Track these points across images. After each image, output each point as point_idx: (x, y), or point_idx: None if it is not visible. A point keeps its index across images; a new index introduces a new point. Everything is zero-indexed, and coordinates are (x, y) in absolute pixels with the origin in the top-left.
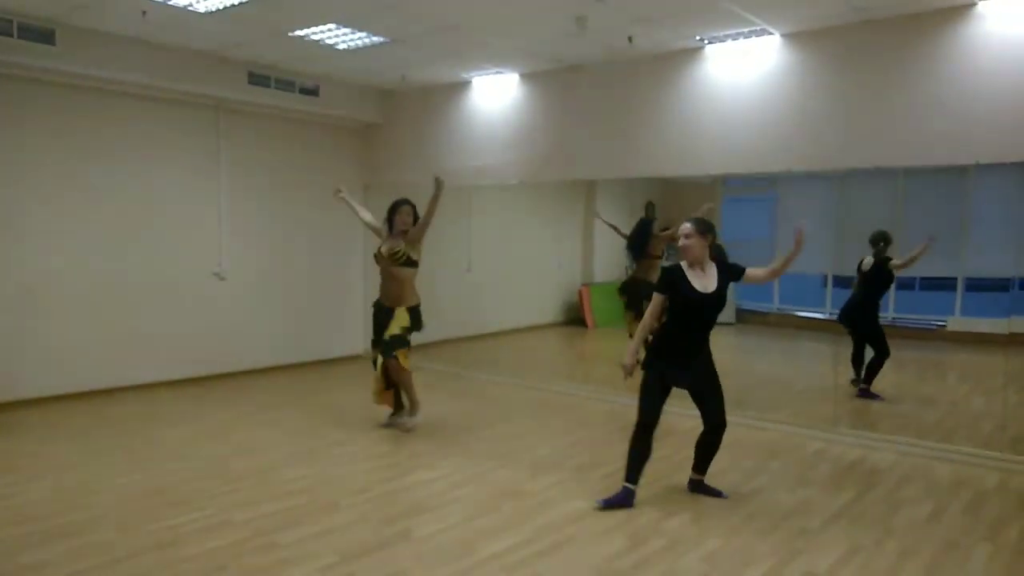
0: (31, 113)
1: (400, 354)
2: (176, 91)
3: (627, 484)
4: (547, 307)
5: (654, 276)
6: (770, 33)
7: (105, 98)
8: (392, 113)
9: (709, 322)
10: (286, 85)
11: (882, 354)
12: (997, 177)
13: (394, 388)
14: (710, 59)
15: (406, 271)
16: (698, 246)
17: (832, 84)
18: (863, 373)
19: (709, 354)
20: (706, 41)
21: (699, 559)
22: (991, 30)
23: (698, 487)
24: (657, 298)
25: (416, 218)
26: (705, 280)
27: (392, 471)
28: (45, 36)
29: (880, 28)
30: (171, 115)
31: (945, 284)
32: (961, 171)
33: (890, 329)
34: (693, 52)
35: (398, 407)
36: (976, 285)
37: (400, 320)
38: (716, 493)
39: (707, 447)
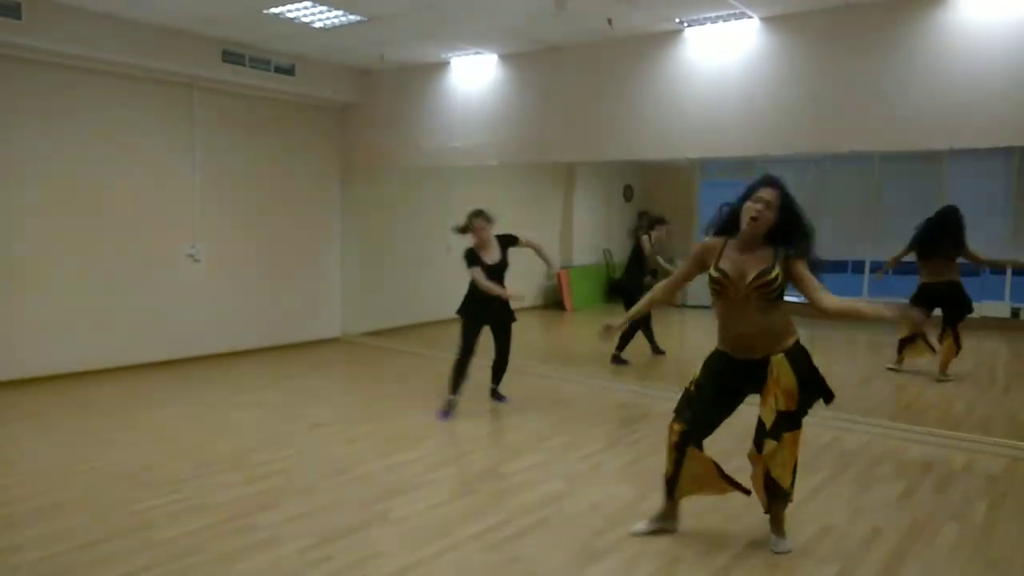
0: None
1: (791, 438)
2: (148, 69)
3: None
4: (526, 290)
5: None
6: (749, 16)
7: (74, 75)
8: (370, 93)
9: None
10: (261, 64)
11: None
12: (971, 162)
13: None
14: (689, 42)
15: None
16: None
17: (810, 68)
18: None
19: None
20: (685, 24)
21: (673, 539)
22: (968, 16)
23: (493, 394)
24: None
25: None
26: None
27: (370, 453)
28: (11, 9)
29: (858, 13)
30: (143, 93)
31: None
32: (936, 156)
33: None
34: (672, 35)
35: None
36: None
37: (788, 378)
38: (501, 398)
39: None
